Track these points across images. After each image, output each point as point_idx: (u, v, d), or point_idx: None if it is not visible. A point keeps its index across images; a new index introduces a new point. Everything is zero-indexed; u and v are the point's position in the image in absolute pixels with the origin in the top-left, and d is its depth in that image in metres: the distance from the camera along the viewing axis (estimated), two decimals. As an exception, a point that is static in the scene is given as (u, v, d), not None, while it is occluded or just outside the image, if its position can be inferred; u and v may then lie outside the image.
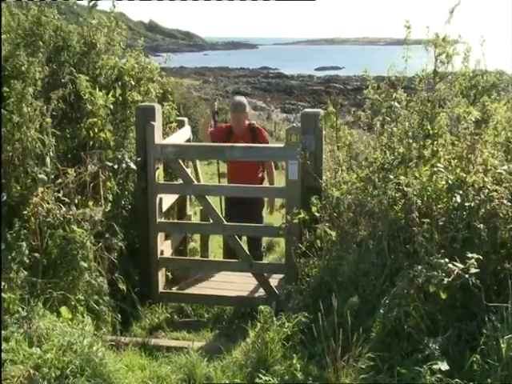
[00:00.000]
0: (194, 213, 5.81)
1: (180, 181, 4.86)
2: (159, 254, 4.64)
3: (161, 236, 4.71)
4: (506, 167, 3.30)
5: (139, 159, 4.43)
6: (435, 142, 3.78)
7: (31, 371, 2.63)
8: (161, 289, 4.70)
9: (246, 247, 5.01)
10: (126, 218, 4.41)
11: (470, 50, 4.58)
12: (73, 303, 3.43)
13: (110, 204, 4.12)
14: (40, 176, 3.52)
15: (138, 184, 4.50)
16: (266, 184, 5.60)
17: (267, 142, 5.57)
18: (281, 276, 4.75)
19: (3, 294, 2.99)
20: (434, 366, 2.56)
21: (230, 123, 5.63)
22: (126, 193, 4.50)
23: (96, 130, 4.25)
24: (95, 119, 4.24)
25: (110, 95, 4.37)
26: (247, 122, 5.51)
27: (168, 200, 4.89)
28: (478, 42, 4.44)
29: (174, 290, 4.91)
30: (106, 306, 3.74)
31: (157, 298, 4.60)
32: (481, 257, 2.78)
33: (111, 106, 4.40)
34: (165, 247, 4.80)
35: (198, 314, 4.73)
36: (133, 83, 4.83)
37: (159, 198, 4.60)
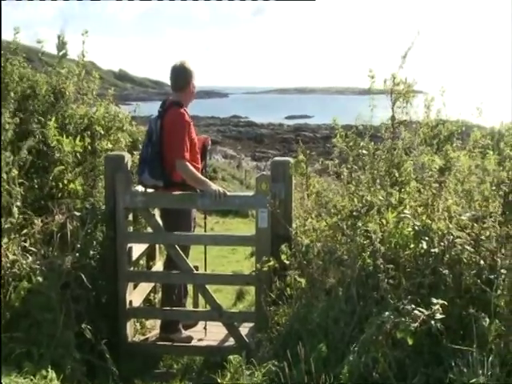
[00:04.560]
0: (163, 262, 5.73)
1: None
2: (128, 304, 4.56)
3: (130, 286, 4.64)
4: (468, 214, 3.40)
5: (108, 209, 4.41)
6: (402, 190, 3.86)
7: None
8: (129, 339, 4.60)
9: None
10: (93, 268, 4.33)
11: (432, 100, 4.78)
12: (36, 358, 3.32)
13: (77, 254, 4.06)
14: (5, 226, 3.47)
15: (107, 233, 4.46)
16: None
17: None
18: (251, 324, 4.70)
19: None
20: (404, 414, 2.55)
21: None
22: (95, 242, 4.44)
23: (65, 181, 4.23)
24: (62, 167, 4.22)
25: (77, 141, 4.37)
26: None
27: (137, 249, 4.85)
28: (439, 92, 4.65)
29: (143, 340, 4.81)
30: (72, 359, 3.63)
31: (125, 348, 4.49)
32: (446, 302, 2.83)
33: (79, 152, 4.39)
34: (133, 297, 4.72)
35: (168, 365, 4.63)
36: (102, 132, 4.85)
37: (128, 247, 4.56)
